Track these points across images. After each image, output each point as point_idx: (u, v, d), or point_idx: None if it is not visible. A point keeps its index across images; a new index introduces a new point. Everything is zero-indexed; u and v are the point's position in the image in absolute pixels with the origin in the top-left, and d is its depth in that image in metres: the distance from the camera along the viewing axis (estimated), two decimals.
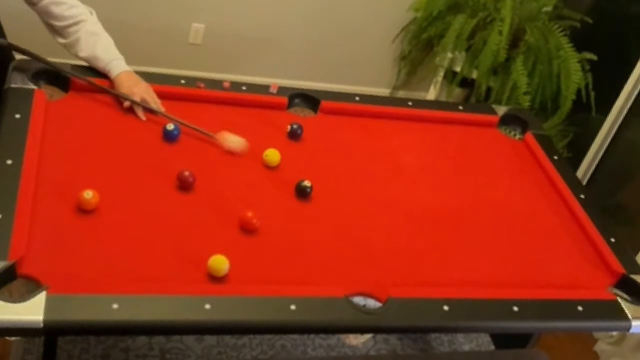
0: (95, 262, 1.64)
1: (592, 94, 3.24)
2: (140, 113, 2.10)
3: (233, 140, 2.06)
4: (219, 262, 1.67)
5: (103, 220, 1.74)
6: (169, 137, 2.07)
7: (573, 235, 2.15)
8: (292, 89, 2.41)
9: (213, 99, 2.27)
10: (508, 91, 3.32)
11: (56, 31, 2.16)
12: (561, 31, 3.29)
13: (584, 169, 3.41)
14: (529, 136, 2.53)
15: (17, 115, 1.93)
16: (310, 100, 2.39)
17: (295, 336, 2.56)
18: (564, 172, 2.37)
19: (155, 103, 2.13)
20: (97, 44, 2.13)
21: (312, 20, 3.77)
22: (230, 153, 2.05)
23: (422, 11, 3.65)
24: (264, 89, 2.36)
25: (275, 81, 2.59)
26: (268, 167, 2.07)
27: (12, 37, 3.40)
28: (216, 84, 2.32)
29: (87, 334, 2.18)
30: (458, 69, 3.59)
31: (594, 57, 3.23)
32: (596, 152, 3.36)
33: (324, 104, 2.38)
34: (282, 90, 2.37)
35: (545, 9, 3.42)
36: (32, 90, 2.05)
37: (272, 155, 2.08)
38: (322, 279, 1.77)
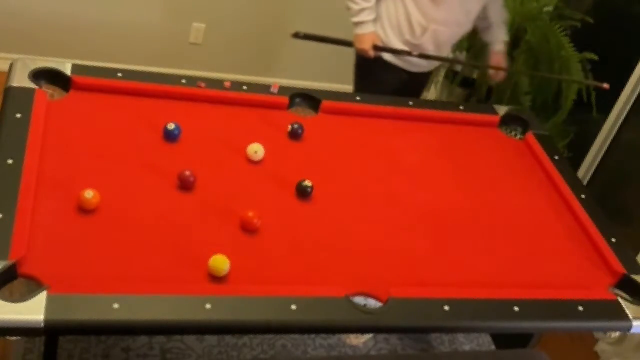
0: (96, 261, 1.64)
1: (593, 93, 3.23)
2: None
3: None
4: (220, 262, 1.67)
5: (104, 220, 1.74)
6: (169, 137, 2.07)
7: (574, 235, 2.15)
8: (293, 88, 2.41)
9: (214, 98, 2.27)
10: (509, 91, 3.32)
11: None
12: (562, 31, 3.28)
13: (585, 169, 3.41)
14: (530, 136, 2.53)
15: (18, 115, 1.93)
16: (311, 99, 2.39)
17: (296, 336, 2.56)
18: (564, 172, 2.38)
19: None
20: None
21: (313, 19, 3.76)
22: None
23: None
24: (264, 88, 2.36)
25: (276, 80, 2.59)
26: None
27: (9, 37, 3.41)
28: (217, 83, 2.32)
29: (88, 334, 2.17)
30: (459, 68, 3.58)
31: (595, 57, 3.22)
32: (596, 152, 3.35)
33: (325, 103, 2.38)
34: (282, 89, 2.37)
35: (546, 8, 3.42)
36: (33, 89, 2.05)
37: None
38: (322, 279, 1.77)
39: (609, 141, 3.31)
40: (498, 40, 2.93)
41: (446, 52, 2.83)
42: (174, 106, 2.20)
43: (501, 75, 2.97)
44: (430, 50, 2.69)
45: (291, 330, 1.99)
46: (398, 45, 2.67)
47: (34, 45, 3.40)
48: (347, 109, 2.40)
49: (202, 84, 2.29)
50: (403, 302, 1.73)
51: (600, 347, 2.95)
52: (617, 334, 2.68)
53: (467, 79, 3.58)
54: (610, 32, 3.37)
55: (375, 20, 2.65)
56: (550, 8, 3.43)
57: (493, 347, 2.72)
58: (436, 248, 1.98)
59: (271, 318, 1.62)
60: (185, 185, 1.91)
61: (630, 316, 1.87)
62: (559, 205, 2.26)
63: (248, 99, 2.31)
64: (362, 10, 2.59)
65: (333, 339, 2.59)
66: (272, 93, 2.35)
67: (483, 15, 2.80)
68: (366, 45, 2.62)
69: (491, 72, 2.99)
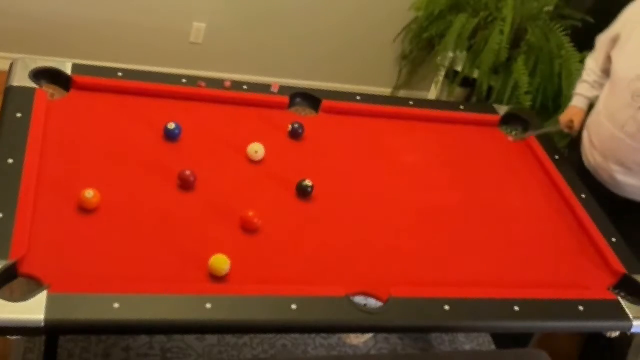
0: (96, 261, 1.64)
1: None
2: None
3: None
4: (220, 262, 1.67)
5: (104, 220, 1.75)
6: (170, 136, 2.07)
7: (574, 235, 2.15)
8: (293, 88, 2.41)
9: (214, 98, 2.27)
10: (509, 91, 3.31)
11: None
12: (562, 30, 3.28)
13: None
14: (530, 136, 2.53)
15: (18, 114, 1.94)
16: (311, 99, 2.39)
17: (296, 335, 2.56)
18: (564, 171, 2.38)
19: None
20: None
21: (313, 19, 3.76)
22: None
23: (423, 10, 3.64)
24: (265, 88, 2.36)
25: (276, 80, 2.59)
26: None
27: (9, 37, 3.41)
28: (217, 83, 2.32)
29: (88, 333, 2.17)
30: (459, 68, 3.58)
31: None
32: None
33: (325, 103, 2.38)
34: (283, 89, 2.37)
35: (546, 8, 3.42)
36: (33, 89, 2.05)
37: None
38: (323, 279, 1.77)
39: None
40: None
41: (620, 181, 2.28)
42: (174, 106, 2.20)
43: None
44: (594, 155, 2.34)
45: (291, 330, 1.99)
46: (585, 133, 2.44)
47: (34, 45, 3.40)
48: (348, 108, 2.40)
49: (202, 84, 2.29)
50: (403, 302, 1.73)
51: None
52: (617, 334, 2.68)
53: (467, 78, 3.58)
54: None
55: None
56: (550, 8, 3.43)
57: (493, 347, 2.72)
58: (436, 247, 1.98)
59: (271, 318, 1.62)
60: (185, 184, 1.91)
61: (630, 316, 1.88)
62: (559, 205, 2.26)
63: (248, 99, 2.31)
64: (580, 82, 2.52)
65: (333, 338, 2.59)
66: (272, 93, 2.35)
67: None
68: (563, 117, 2.51)
69: None
